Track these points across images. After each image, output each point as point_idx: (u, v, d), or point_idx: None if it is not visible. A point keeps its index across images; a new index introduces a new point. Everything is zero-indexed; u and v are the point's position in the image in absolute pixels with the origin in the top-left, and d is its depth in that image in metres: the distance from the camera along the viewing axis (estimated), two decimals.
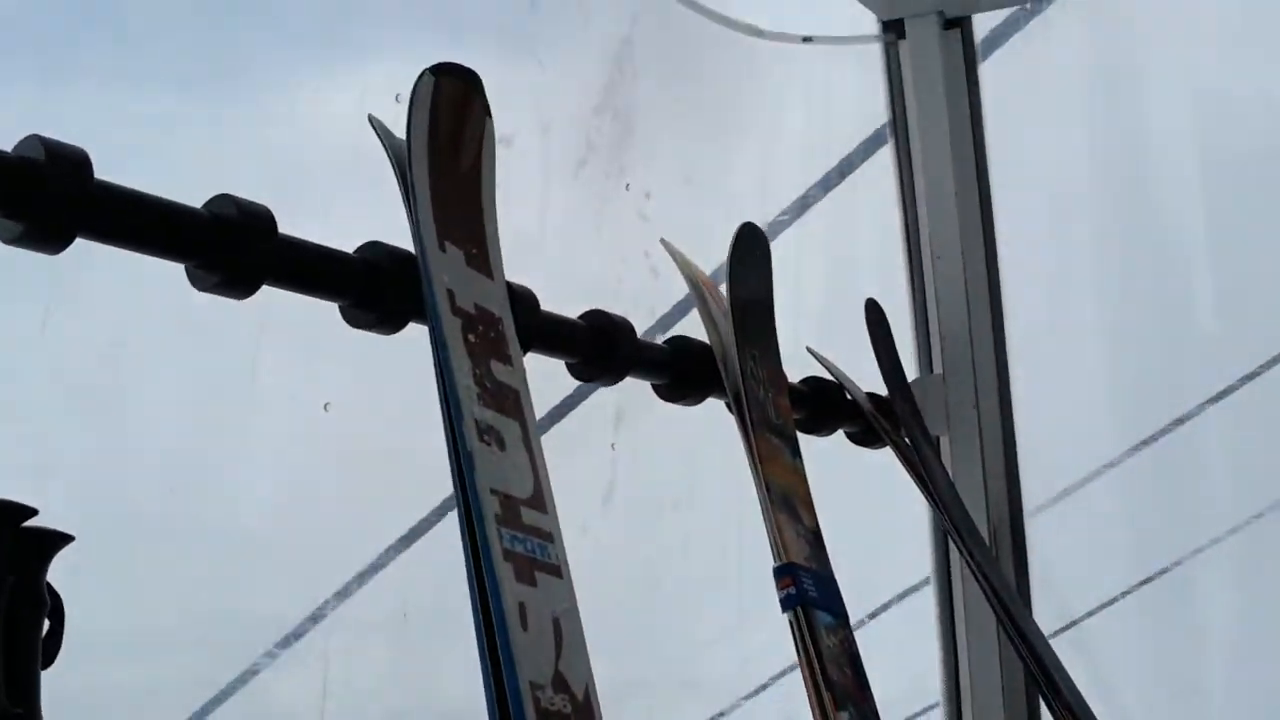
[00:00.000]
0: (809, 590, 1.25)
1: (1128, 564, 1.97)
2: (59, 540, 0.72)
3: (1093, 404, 1.97)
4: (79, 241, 0.86)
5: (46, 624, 0.71)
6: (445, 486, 0.99)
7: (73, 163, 0.83)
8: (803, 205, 1.94)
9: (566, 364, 1.29)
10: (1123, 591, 1.95)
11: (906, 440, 1.58)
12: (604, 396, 1.53)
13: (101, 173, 0.86)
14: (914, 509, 1.63)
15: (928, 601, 1.64)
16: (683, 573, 1.96)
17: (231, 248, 0.93)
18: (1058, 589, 1.60)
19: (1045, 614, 1.60)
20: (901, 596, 1.93)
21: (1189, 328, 2.10)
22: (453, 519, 0.98)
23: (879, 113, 1.82)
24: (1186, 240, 2.10)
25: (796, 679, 1.21)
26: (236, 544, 1.68)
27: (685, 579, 1.96)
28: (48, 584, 0.72)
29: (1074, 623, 1.72)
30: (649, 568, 1.92)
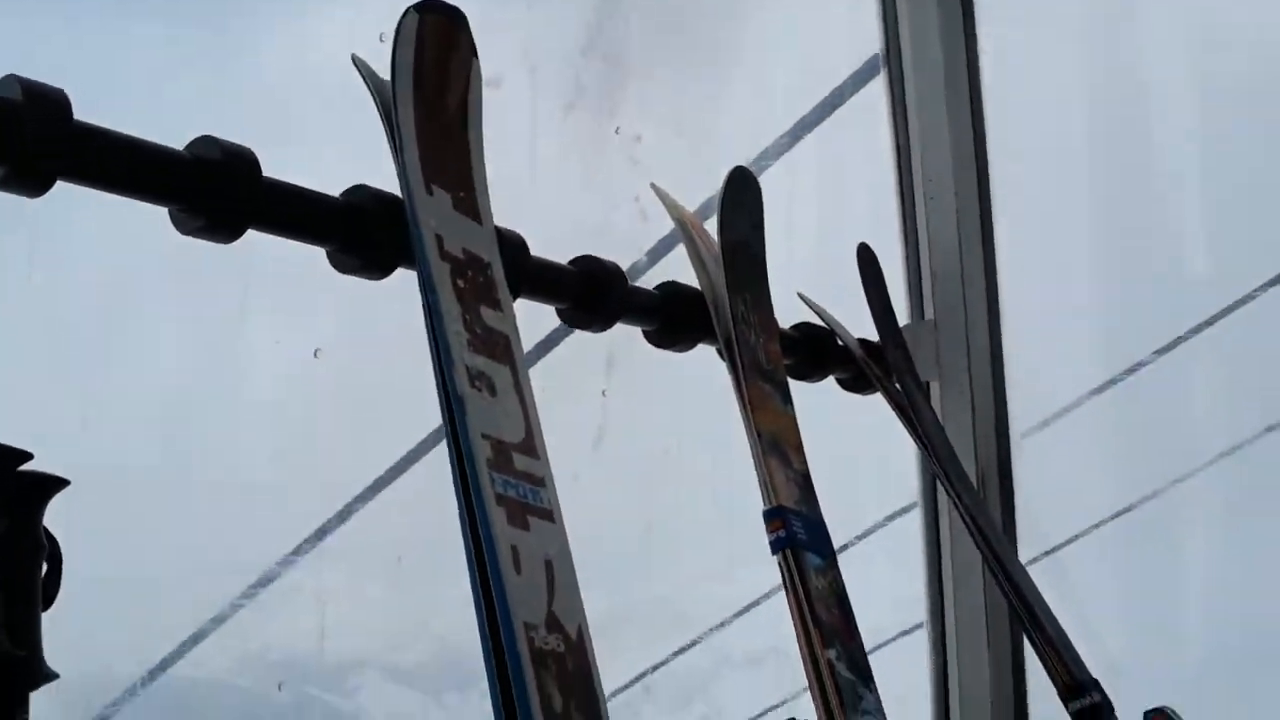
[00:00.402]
0: (798, 533, 1.26)
1: (1109, 492, 1.99)
2: (55, 484, 0.72)
3: (1079, 331, 1.97)
4: (62, 186, 0.85)
5: (44, 567, 0.72)
6: (438, 432, 0.99)
7: (52, 103, 0.82)
8: (794, 138, 1.92)
9: (556, 310, 1.29)
10: (1103, 519, 1.97)
11: (897, 386, 1.58)
12: (595, 342, 1.53)
13: (81, 114, 0.85)
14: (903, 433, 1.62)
15: (913, 523, 1.65)
16: (673, 517, 1.97)
17: (215, 191, 0.92)
18: (1036, 516, 1.61)
19: (1025, 540, 1.62)
20: (890, 519, 1.95)
21: (1178, 259, 2.11)
22: (445, 458, 0.98)
23: (871, 49, 1.79)
24: (1178, 171, 2.09)
25: (778, 604, 1.23)
26: (229, 489, 1.69)
27: (676, 523, 1.98)
28: (44, 528, 0.72)
29: (1052, 550, 1.74)
30: (640, 512, 1.93)
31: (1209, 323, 2.12)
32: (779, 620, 1.25)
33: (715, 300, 1.38)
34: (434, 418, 0.99)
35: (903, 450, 1.66)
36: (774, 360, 1.41)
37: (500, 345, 1.08)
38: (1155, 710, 1.34)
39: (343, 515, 1.78)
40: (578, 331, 1.32)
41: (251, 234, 0.97)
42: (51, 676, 0.68)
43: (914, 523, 1.68)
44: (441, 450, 0.98)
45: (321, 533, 1.81)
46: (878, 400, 1.57)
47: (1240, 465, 2.11)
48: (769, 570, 1.27)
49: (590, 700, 0.94)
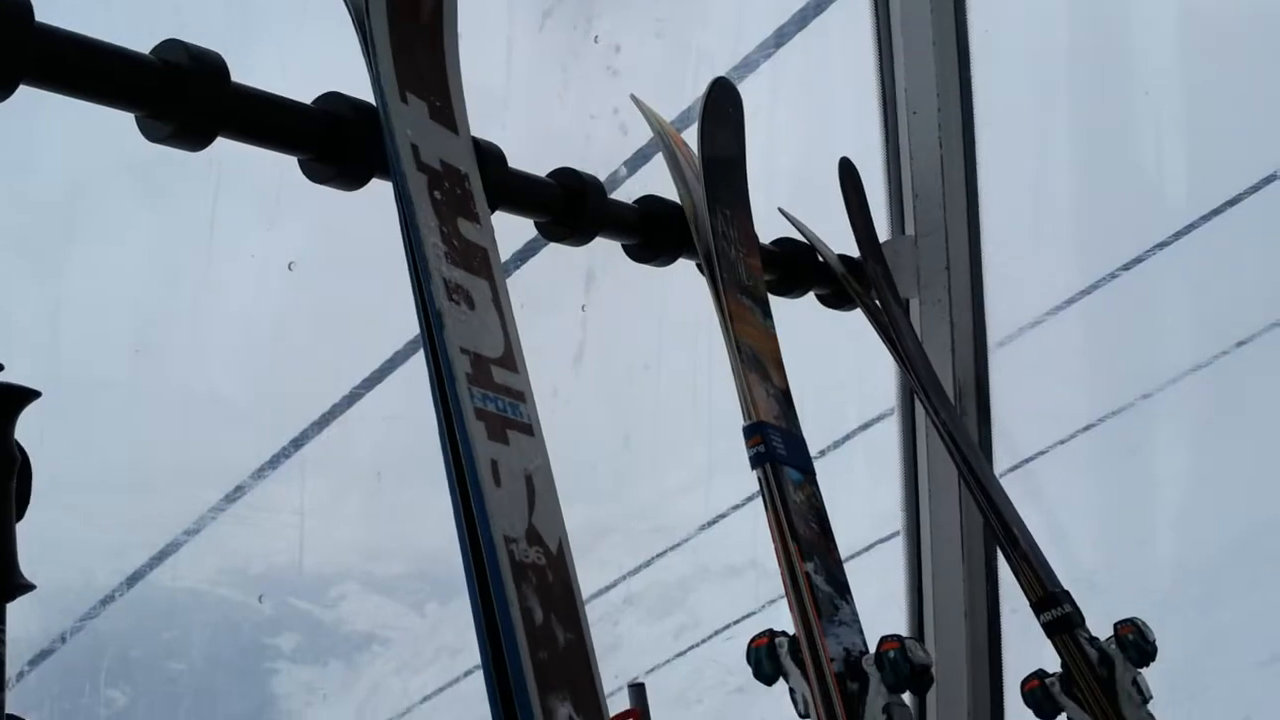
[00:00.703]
0: (778, 448, 1.26)
1: (1082, 406, 2.01)
2: (26, 396, 0.70)
3: (1058, 240, 1.97)
4: (25, 91, 0.82)
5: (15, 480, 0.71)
6: (414, 343, 0.98)
7: (13, 5, 0.79)
8: (776, 49, 1.88)
9: (535, 223, 1.27)
10: (1076, 431, 1.99)
11: (877, 303, 1.58)
12: (574, 257, 1.51)
13: (43, 15, 0.81)
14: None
15: (890, 431, 1.66)
16: (652, 432, 1.98)
17: (183, 96, 0.89)
18: (1011, 429, 1.63)
19: (1000, 453, 1.64)
20: (865, 426, 1.96)
21: (1155, 171, 2.11)
22: (424, 371, 0.98)
23: None
24: (1157, 85, 2.08)
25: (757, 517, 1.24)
26: (203, 400, 1.68)
27: (655, 438, 1.99)
28: (15, 441, 0.71)
29: (1025, 461, 1.76)
30: (619, 427, 1.94)
31: (1181, 234, 2.13)
32: (757, 534, 1.27)
33: (695, 214, 1.36)
34: (411, 331, 0.98)
35: (881, 362, 1.67)
36: (754, 275, 1.40)
37: (478, 258, 1.06)
38: (1125, 621, 1.38)
39: (320, 425, 1.78)
40: (556, 245, 1.30)
41: (221, 142, 0.95)
42: (27, 587, 0.68)
43: (890, 430, 1.69)
44: (419, 363, 0.97)
45: (298, 443, 1.81)
46: (857, 315, 1.57)
47: (1211, 379, 2.14)
48: (748, 483, 1.28)
49: (571, 613, 0.95)
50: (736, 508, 2.12)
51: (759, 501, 1.25)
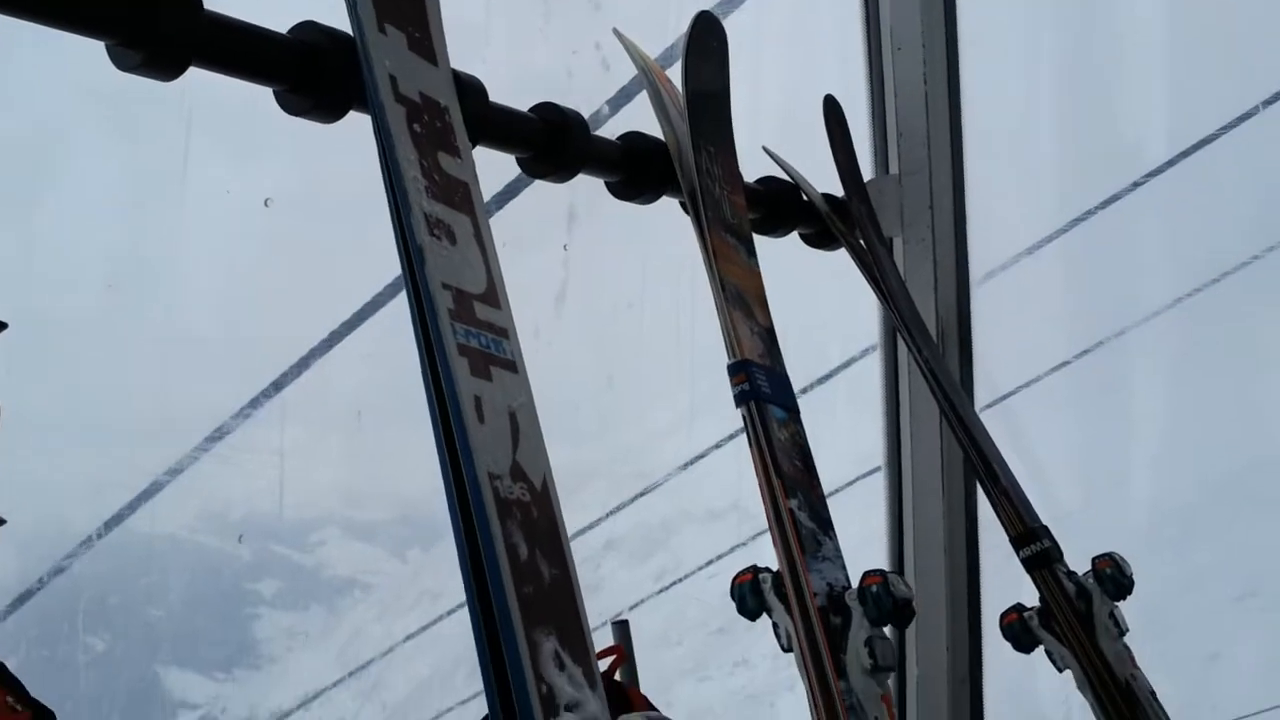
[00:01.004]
0: (762, 386, 1.26)
1: (1060, 342, 2.02)
2: None
3: (1040, 178, 1.97)
4: None
5: None
6: (395, 284, 0.97)
7: None
8: None
9: (517, 159, 1.25)
10: (1054, 366, 2.00)
11: (861, 242, 1.57)
12: (556, 196, 1.49)
13: None
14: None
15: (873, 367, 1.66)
16: (635, 372, 1.97)
17: (153, 22, 0.86)
18: (990, 366, 1.63)
19: (980, 390, 1.64)
20: (848, 364, 1.97)
21: (1136, 104, 2.10)
22: (404, 310, 0.96)
23: None
24: (1142, 18, 2.06)
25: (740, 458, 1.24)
26: (179, 342, 1.65)
27: (637, 378, 1.98)
28: None
29: (1004, 396, 1.77)
30: (602, 367, 1.93)
31: (1158, 171, 2.13)
32: (740, 476, 1.27)
33: (679, 151, 1.35)
34: (392, 269, 0.97)
35: (863, 301, 1.66)
36: (739, 213, 1.39)
37: (460, 193, 1.04)
38: (1102, 556, 1.39)
39: (300, 367, 1.76)
40: (538, 184, 1.29)
41: (194, 72, 0.92)
42: None
43: (872, 368, 1.69)
44: (400, 303, 0.96)
45: (278, 385, 1.79)
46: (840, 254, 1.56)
47: (1189, 315, 2.15)
48: (731, 423, 1.28)
49: (556, 549, 0.95)
50: (719, 445, 2.12)
51: (741, 442, 1.25)
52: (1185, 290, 2.15)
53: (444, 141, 1.05)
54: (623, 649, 1.29)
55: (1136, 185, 2.12)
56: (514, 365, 1.00)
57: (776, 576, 1.21)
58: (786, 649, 1.20)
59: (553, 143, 1.23)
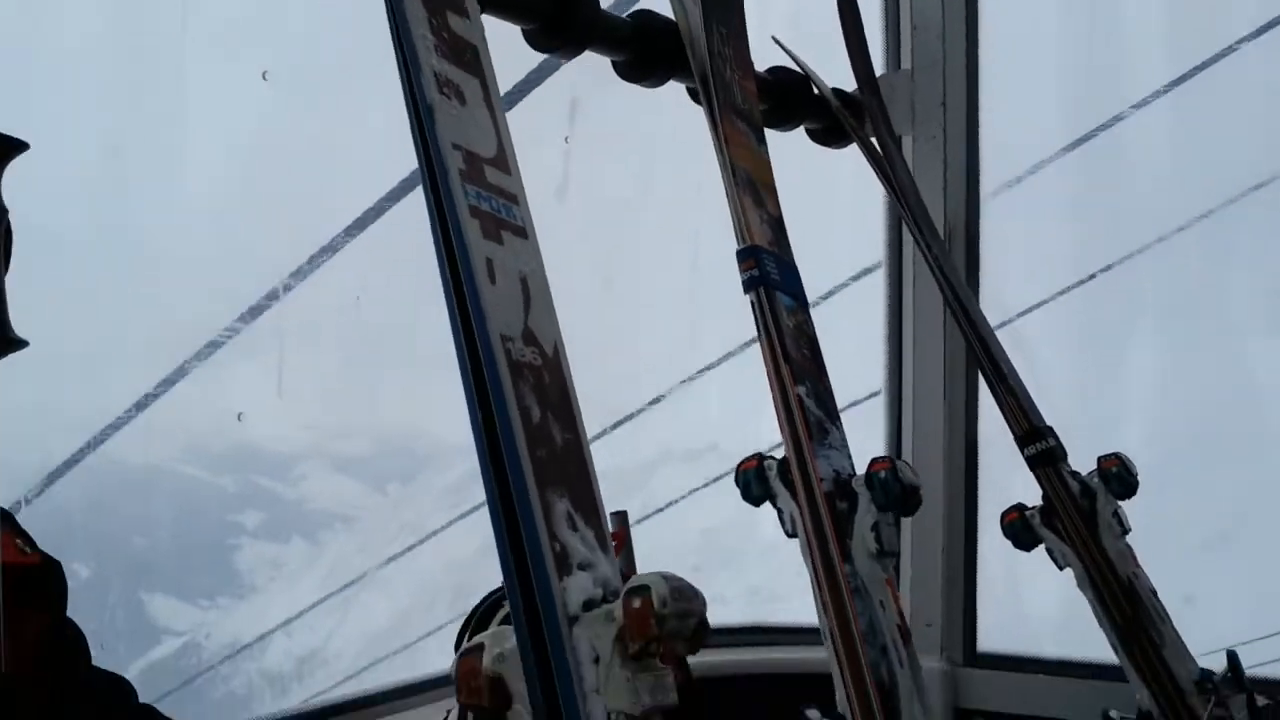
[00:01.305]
0: (771, 272, 1.24)
1: (1067, 265, 1.99)
2: (12, 146, 0.66)
3: (1045, 98, 1.93)
4: None
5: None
6: (402, 163, 0.93)
7: None
8: None
9: (523, 30, 1.21)
10: (1061, 290, 1.98)
11: (871, 138, 1.54)
12: (556, 87, 1.45)
13: None
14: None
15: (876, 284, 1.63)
16: (636, 270, 1.95)
17: None
18: (998, 284, 1.61)
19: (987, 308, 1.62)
20: (856, 278, 1.94)
21: (1137, 27, 2.06)
22: (404, 207, 0.93)
23: None
24: None
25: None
26: (169, 261, 1.61)
27: (638, 277, 1.95)
28: None
29: (1011, 320, 1.75)
30: (602, 264, 1.90)
31: (1164, 91, 2.10)
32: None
33: (691, 32, 1.31)
34: (402, 148, 0.93)
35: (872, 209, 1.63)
36: (749, 99, 1.36)
37: (469, 54, 1.01)
38: (1109, 455, 1.38)
39: (315, 263, 1.71)
40: (540, 86, 1.25)
41: None
42: (20, 344, 0.64)
43: (876, 283, 1.66)
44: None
45: (272, 297, 1.75)
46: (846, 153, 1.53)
47: (1192, 243, 2.13)
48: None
49: (568, 414, 0.93)
50: (710, 367, 2.10)
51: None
52: (1191, 215, 2.13)
53: (452, 1, 1.01)
54: (623, 535, 1.28)
55: (1139, 106, 2.09)
56: (524, 231, 0.98)
57: (782, 463, 1.19)
58: (791, 535, 1.19)
59: (561, 14, 1.19)
